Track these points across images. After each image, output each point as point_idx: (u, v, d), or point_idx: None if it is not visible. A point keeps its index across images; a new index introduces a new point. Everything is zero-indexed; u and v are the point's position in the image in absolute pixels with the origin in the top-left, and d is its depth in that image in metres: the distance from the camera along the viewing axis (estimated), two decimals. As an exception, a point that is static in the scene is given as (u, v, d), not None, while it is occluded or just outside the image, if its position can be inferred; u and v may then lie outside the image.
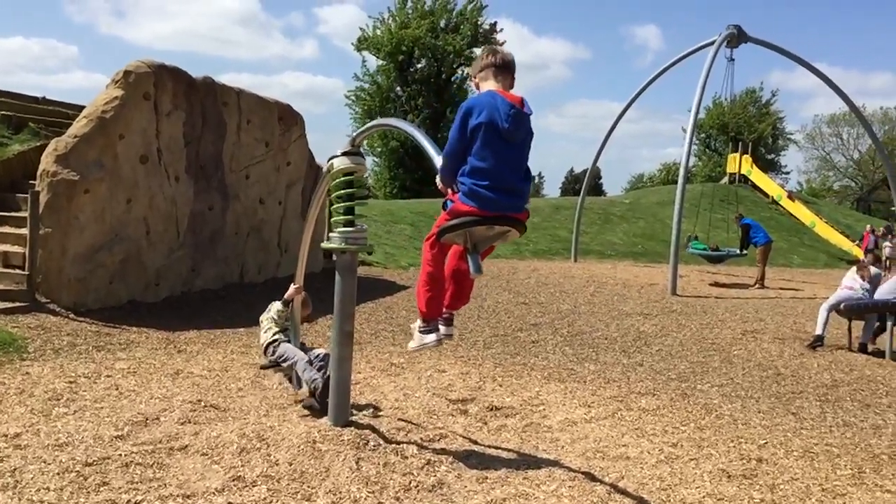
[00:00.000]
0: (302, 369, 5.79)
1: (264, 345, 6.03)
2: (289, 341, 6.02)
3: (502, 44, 45.80)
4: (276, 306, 6.11)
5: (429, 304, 4.20)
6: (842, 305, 10.05)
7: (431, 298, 4.20)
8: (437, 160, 4.17)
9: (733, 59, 18.40)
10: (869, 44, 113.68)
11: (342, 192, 4.93)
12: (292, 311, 6.10)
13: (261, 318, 6.14)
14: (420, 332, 4.26)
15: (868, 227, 25.94)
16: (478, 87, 3.97)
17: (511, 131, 3.71)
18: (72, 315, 8.62)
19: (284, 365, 5.93)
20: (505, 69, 3.88)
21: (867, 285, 10.11)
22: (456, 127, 3.75)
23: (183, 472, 4.38)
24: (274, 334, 6.01)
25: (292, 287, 6.08)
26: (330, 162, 4.93)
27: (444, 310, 4.33)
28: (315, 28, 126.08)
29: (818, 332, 9.95)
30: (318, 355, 5.95)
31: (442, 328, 4.31)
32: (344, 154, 4.90)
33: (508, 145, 3.74)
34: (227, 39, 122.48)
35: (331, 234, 5.02)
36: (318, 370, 5.77)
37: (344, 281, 5.05)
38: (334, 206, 5.03)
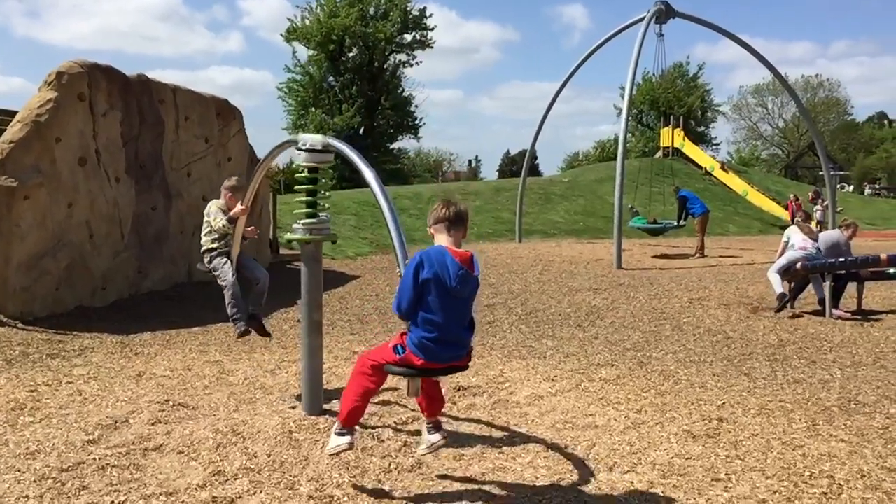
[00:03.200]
0: (228, 302, 6.13)
1: (202, 249, 6.31)
2: (228, 252, 6.22)
3: (433, 29, 45.89)
4: (217, 215, 6.18)
5: (351, 413, 4.17)
6: (798, 265, 10.08)
7: (356, 409, 4.18)
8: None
9: (663, 35, 18.81)
10: (788, 14, 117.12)
11: (306, 186, 4.96)
12: (234, 228, 6.21)
13: (206, 212, 6.31)
14: (336, 433, 4.21)
15: (791, 195, 26.81)
16: (432, 237, 4.14)
17: (458, 290, 3.92)
18: (19, 324, 8.41)
19: (217, 282, 6.24)
20: (458, 222, 4.07)
21: (818, 244, 10.23)
22: (409, 275, 3.93)
23: (161, 471, 4.36)
24: (213, 241, 6.23)
25: (239, 206, 6.13)
26: (297, 149, 4.95)
27: (428, 418, 4.39)
28: (239, 20, 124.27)
29: (778, 291, 10.07)
30: (257, 280, 6.39)
31: (435, 437, 4.33)
32: (310, 150, 4.92)
33: (455, 300, 3.95)
34: (149, 36, 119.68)
35: (294, 225, 5.04)
36: (258, 295, 6.36)
37: (310, 270, 5.09)
38: (297, 199, 5.05)
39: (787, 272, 10.26)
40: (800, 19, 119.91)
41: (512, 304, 10.92)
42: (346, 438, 4.15)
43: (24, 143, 8.85)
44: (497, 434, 5.14)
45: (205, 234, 6.31)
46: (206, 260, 6.33)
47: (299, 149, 4.93)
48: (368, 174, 4.70)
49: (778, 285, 10.16)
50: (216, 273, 6.26)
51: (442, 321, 3.91)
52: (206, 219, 6.31)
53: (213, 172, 12.56)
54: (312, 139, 4.96)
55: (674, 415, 5.59)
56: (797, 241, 10.30)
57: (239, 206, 6.13)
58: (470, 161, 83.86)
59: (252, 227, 6.57)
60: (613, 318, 9.84)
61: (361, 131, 44.20)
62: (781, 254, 10.47)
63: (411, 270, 3.90)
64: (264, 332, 6.50)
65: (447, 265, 3.88)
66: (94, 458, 4.49)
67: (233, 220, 6.15)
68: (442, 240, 4.06)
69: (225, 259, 6.23)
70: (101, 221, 9.96)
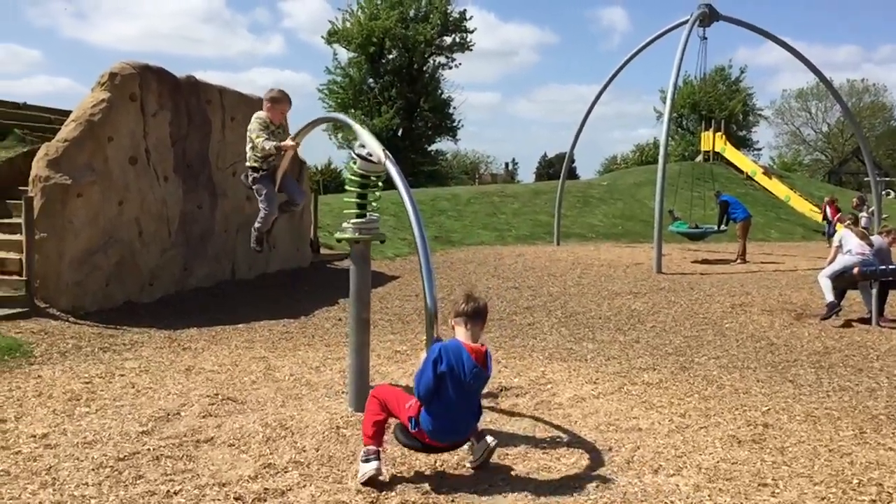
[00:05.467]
0: (259, 222, 6.30)
1: (247, 164, 6.21)
2: (273, 173, 6.17)
3: (473, 31, 45.94)
4: (260, 134, 6.00)
5: (376, 426, 4.34)
6: (855, 270, 9.80)
7: (378, 422, 4.36)
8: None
9: (706, 38, 18.62)
10: (832, 17, 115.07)
11: (356, 190, 5.07)
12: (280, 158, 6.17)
13: (249, 128, 6.16)
14: (362, 461, 4.27)
15: (827, 197, 26.23)
16: (453, 328, 4.45)
17: (471, 384, 4.24)
18: (71, 318, 8.63)
19: (258, 203, 6.29)
20: (475, 317, 4.39)
21: (873, 250, 9.98)
22: (429, 365, 4.20)
23: (213, 462, 4.48)
24: (256, 160, 6.11)
25: (289, 141, 6.02)
26: (355, 152, 5.06)
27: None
28: (280, 23, 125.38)
29: (829, 299, 9.86)
30: (294, 201, 6.52)
31: (483, 442, 4.47)
32: (366, 159, 5.03)
33: (467, 392, 4.27)
34: (192, 38, 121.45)
35: (344, 225, 5.13)
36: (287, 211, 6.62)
37: (359, 270, 5.18)
38: (346, 199, 5.14)
39: (839, 277, 10.00)
40: (845, 22, 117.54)
41: (551, 307, 10.92)
42: (372, 464, 4.21)
43: (77, 142, 9.10)
44: (540, 435, 5.17)
45: (249, 149, 6.15)
46: (249, 178, 6.22)
47: (357, 153, 5.03)
48: (413, 216, 4.85)
49: (829, 292, 9.89)
50: (258, 196, 6.22)
51: (454, 411, 4.23)
52: (248, 134, 6.13)
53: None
54: (373, 148, 5.00)
55: (718, 419, 5.58)
56: (854, 246, 9.99)
57: (289, 141, 6.02)
58: (507, 164, 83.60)
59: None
60: (654, 323, 9.80)
61: (400, 133, 44.41)
62: (834, 257, 10.26)
63: (430, 363, 4.18)
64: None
65: (463, 362, 4.19)
66: (149, 449, 4.63)
67: (279, 149, 6.02)
68: (460, 333, 4.37)
69: (270, 185, 6.14)
70: (149, 219, 10.18)
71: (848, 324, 9.74)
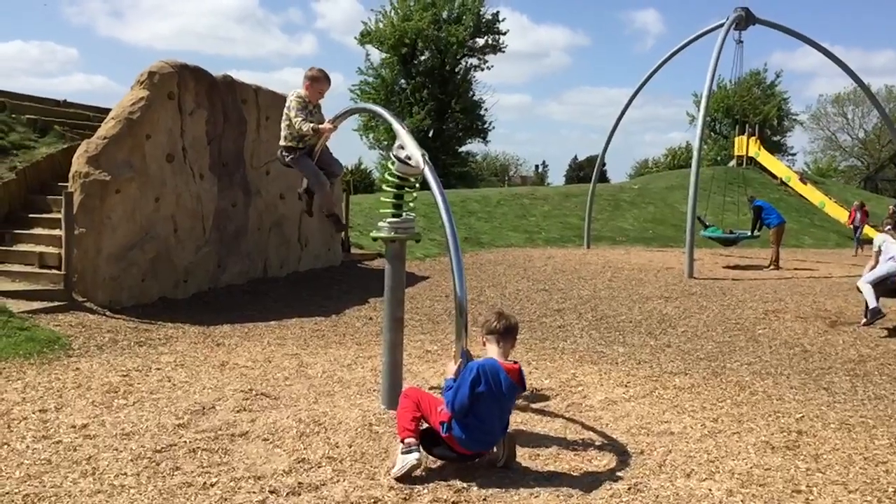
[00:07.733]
0: (317, 194, 6.40)
1: (283, 143, 6.18)
2: (310, 151, 6.15)
3: (506, 33, 45.90)
4: (299, 113, 5.94)
5: (414, 422, 4.43)
6: None
7: (415, 418, 4.45)
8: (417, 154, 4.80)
9: (742, 42, 18.45)
10: (870, 22, 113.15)
11: (393, 190, 5.12)
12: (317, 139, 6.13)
13: (287, 105, 6.09)
14: (402, 453, 4.31)
15: (856, 202, 25.74)
16: (484, 345, 4.61)
17: (506, 400, 4.47)
18: (108, 313, 8.79)
19: (307, 180, 6.38)
20: (507, 335, 4.55)
21: None
22: (466, 385, 4.31)
23: (248, 456, 4.54)
24: (292, 139, 6.09)
25: (327, 124, 6.00)
26: (394, 154, 5.11)
27: None
28: (313, 23, 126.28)
29: (872, 305, 9.69)
30: (334, 174, 6.53)
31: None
32: (404, 162, 5.08)
33: (501, 408, 4.45)
34: (226, 37, 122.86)
35: (380, 224, 5.18)
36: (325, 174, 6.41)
37: (393, 268, 5.22)
38: (383, 199, 5.19)
39: (878, 284, 9.82)
40: (883, 27, 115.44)
41: (582, 310, 10.90)
42: (414, 454, 4.27)
43: (116, 139, 9.27)
44: (572, 436, 5.17)
45: (286, 128, 6.11)
46: (286, 156, 6.20)
47: (395, 155, 5.08)
48: (448, 228, 4.89)
49: (872, 298, 9.70)
50: (303, 172, 6.26)
51: (487, 426, 4.38)
52: (286, 111, 6.07)
53: (291, 171, 12.84)
54: (412, 152, 5.02)
55: (751, 425, 5.54)
56: (895, 252, 9.87)
57: (327, 124, 6.01)
58: (537, 166, 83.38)
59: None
60: (686, 327, 9.74)
61: (431, 134, 44.48)
62: (875, 264, 10.07)
63: (468, 383, 4.30)
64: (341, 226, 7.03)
65: (500, 381, 4.35)
66: (185, 441, 4.71)
67: (316, 131, 5.98)
68: (493, 351, 4.52)
69: (309, 161, 6.15)
70: (185, 216, 10.32)
71: (892, 332, 9.59)
